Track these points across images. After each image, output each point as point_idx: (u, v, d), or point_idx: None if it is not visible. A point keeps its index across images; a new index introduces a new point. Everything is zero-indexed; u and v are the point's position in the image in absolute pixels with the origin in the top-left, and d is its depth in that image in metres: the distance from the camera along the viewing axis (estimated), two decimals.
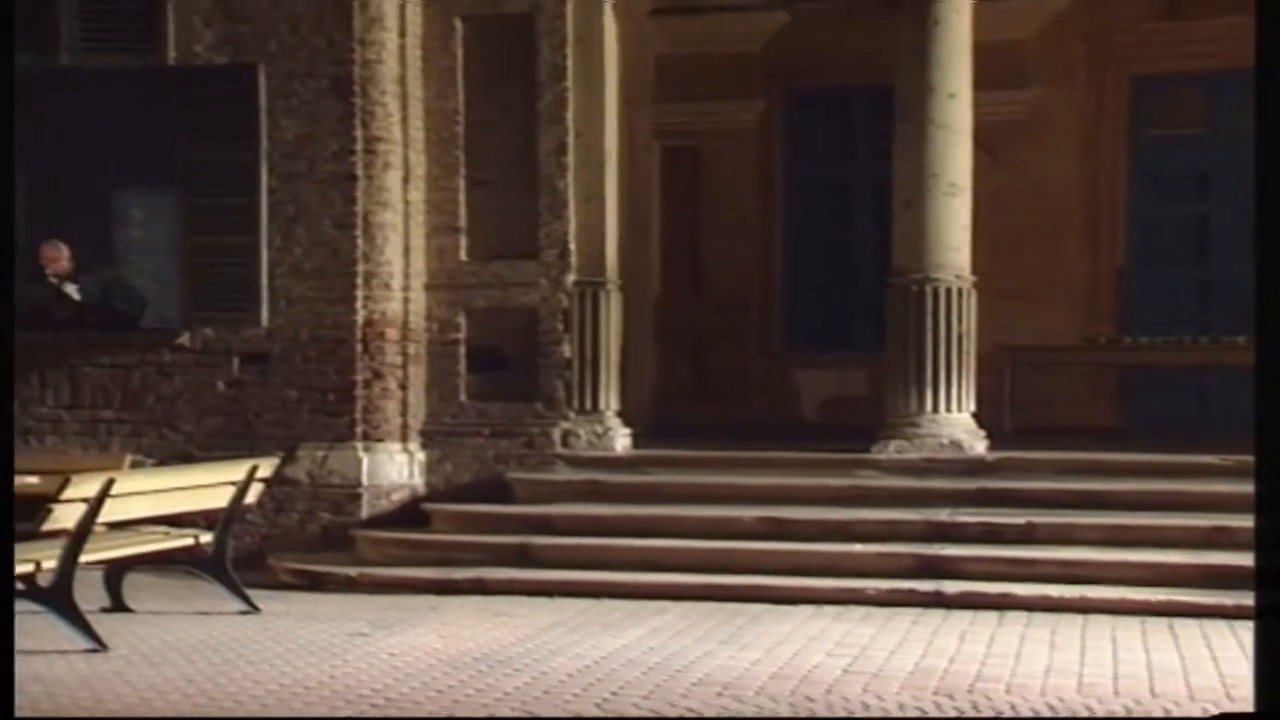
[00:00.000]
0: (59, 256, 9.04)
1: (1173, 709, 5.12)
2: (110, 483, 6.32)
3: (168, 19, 8.72)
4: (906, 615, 6.87)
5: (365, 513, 8.68)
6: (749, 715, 5.06)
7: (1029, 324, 10.66)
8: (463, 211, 8.96)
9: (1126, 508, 7.69)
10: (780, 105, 11.67)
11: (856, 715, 4.97)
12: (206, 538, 7.21)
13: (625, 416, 9.12)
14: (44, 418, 8.94)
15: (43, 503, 6.25)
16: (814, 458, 8.58)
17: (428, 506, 8.61)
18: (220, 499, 7.18)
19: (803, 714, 5.07)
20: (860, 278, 11.53)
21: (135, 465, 8.29)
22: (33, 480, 7.17)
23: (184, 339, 8.87)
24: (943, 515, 7.82)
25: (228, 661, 6.00)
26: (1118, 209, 11.28)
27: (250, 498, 7.36)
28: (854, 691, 5.35)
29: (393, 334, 8.86)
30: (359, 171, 8.71)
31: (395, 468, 8.87)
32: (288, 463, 8.47)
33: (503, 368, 9.00)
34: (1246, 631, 5.70)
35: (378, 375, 8.83)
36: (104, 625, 6.39)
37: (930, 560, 7.39)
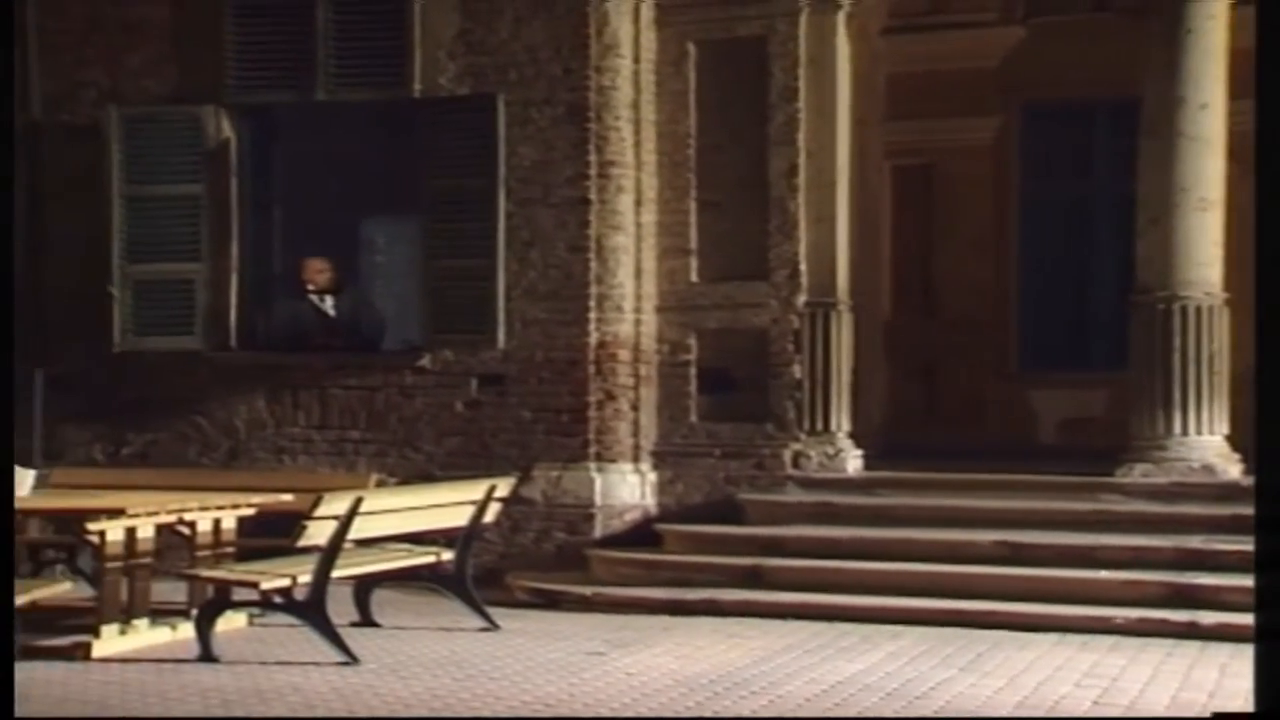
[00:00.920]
0: (324, 269, 9.42)
1: None
2: (359, 501, 6.51)
3: (414, 54, 8.98)
4: (1159, 646, 6.59)
5: (599, 532, 8.74)
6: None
7: None
8: (694, 233, 8.99)
9: None
10: (1016, 121, 11.39)
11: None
12: (447, 555, 7.36)
13: (856, 438, 9.01)
14: (296, 437, 9.27)
15: (297, 519, 6.48)
16: (1053, 480, 8.31)
17: (660, 527, 8.64)
18: (460, 518, 7.32)
19: None
20: (1099, 295, 11.15)
21: (380, 484, 8.53)
22: (287, 497, 7.50)
23: (425, 361, 9.09)
24: (1195, 542, 7.48)
25: (470, 677, 6.12)
26: None
27: (489, 517, 7.49)
28: None
29: (625, 355, 8.93)
30: (592, 195, 8.82)
31: (628, 488, 8.93)
32: (523, 482, 8.59)
33: (733, 389, 8.99)
34: None
35: (610, 396, 8.91)
36: (353, 638, 6.58)
37: (1183, 589, 7.08)
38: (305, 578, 6.47)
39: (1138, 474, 8.13)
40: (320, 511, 6.39)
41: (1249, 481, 8.06)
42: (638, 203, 8.95)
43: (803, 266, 8.86)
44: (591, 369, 8.85)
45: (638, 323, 8.99)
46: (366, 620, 7.33)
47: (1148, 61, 8.21)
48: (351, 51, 9.04)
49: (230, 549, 7.35)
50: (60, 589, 6.47)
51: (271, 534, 7.25)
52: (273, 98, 9.26)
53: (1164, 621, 6.83)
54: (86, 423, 9.42)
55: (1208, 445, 8.17)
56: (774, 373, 8.91)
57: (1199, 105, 8.07)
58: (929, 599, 7.29)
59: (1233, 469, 8.17)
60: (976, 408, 11.36)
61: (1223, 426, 8.23)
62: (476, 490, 7.38)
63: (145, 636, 6.83)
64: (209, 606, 6.66)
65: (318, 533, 6.43)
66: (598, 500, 8.79)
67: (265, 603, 6.73)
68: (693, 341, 9.03)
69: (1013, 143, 11.43)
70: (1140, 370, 8.29)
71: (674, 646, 6.78)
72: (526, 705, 5.58)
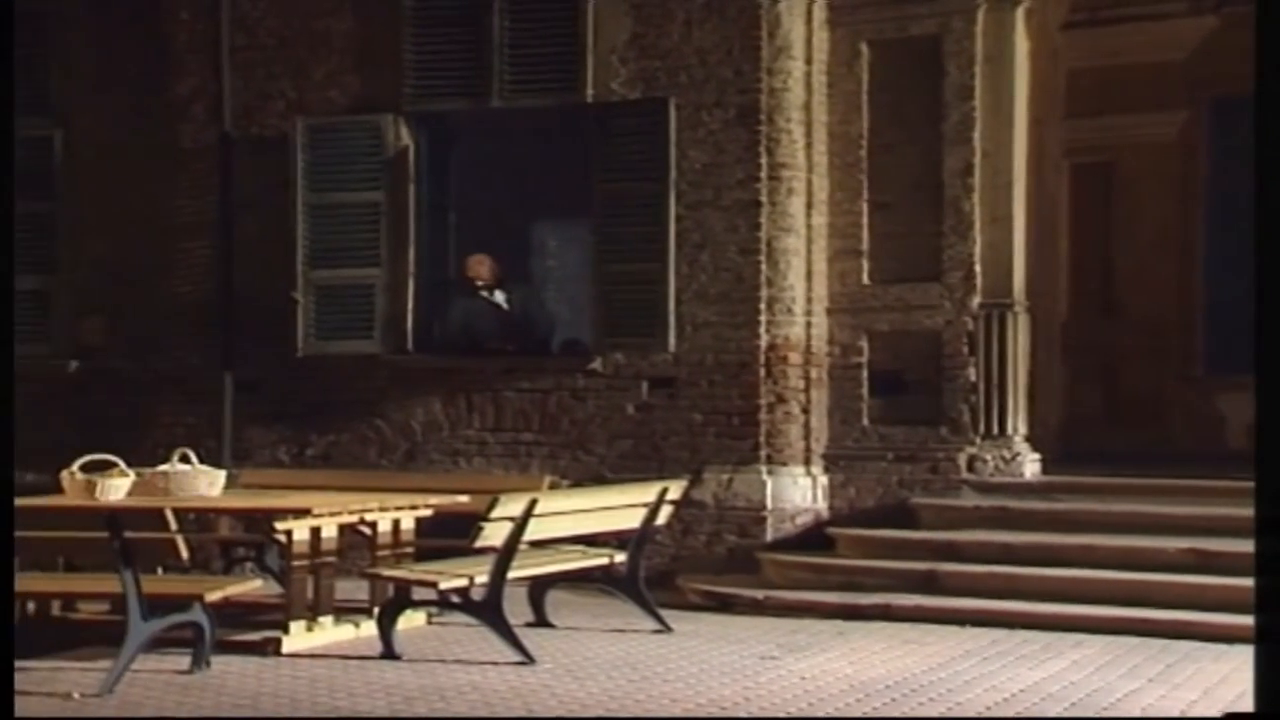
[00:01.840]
0: (484, 261, 9.56)
1: None
2: (534, 503, 6.58)
3: (587, 59, 9.07)
4: None
5: (770, 535, 8.72)
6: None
7: None
8: (865, 235, 8.91)
9: None
10: (1205, 115, 11.01)
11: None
12: (620, 557, 7.39)
13: (1033, 441, 8.82)
14: (471, 440, 9.41)
15: (473, 521, 6.59)
16: (1245, 486, 7.96)
17: (832, 530, 8.59)
18: (632, 520, 7.35)
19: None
20: None
21: (553, 486, 8.58)
22: (463, 499, 7.62)
23: (596, 364, 9.15)
24: None
25: (645, 679, 6.14)
26: None
27: (660, 519, 7.49)
28: None
29: (795, 358, 8.89)
30: (763, 198, 8.79)
31: (799, 491, 8.88)
32: (694, 485, 8.59)
33: (905, 391, 8.88)
34: None
35: (781, 399, 8.87)
36: (529, 639, 6.64)
37: None
38: (482, 578, 6.55)
39: None
40: (496, 513, 6.46)
41: None
42: (809, 205, 8.90)
43: (977, 267, 8.71)
44: (762, 372, 8.82)
45: (808, 325, 8.94)
46: (541, 621, 7.40)
47: None
48: (525, 59, 9.17)
49: (409, 549, 7.47)
50: (251, 586, 6.67)
51: (448, 535, 7.37)
52: (449, 105, 9.43)
53: None
54: (272, 425, 9.72)
55: None
56: (948, 375, 8.77)
57: None
58: (1113, 607, 7.09)
59: None
60: (1158, 411, 11.02)
61: None
62: (648, 493, 7.40)
63: (330, 633, 7.00)
64: (390, 605, 6.79)
65: (494, 534, 6.50)
66: (769, 503, 8.76)
67: (444, 602, 6.85)
68: (864, 344, 8.95)
69: (1201, 138, 11.05)
70: None
71: (848, 651, 6.72)
72: (702, 708, 5.58)
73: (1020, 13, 8.66)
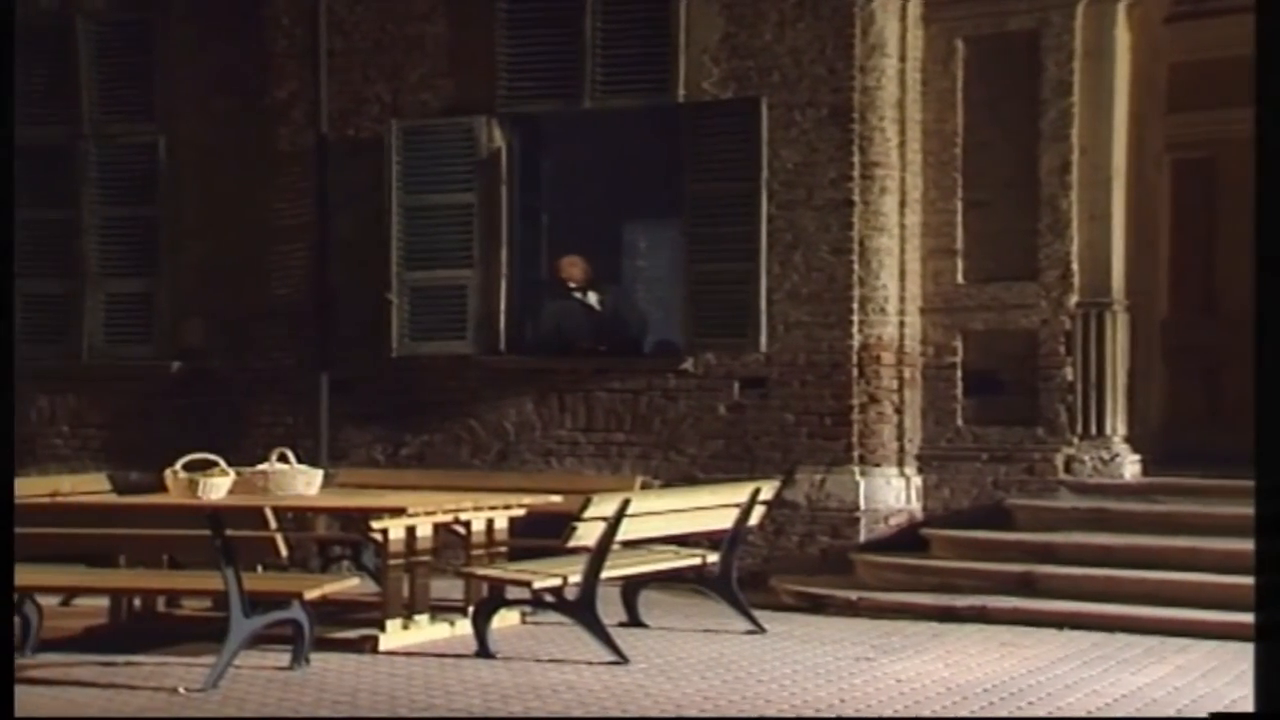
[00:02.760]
0: (576, 262, 9.60)
1: None
2: (626, 503, 6.59)
3: (679, 59, 9.05)
4: None
5: (863, 536, 8.67)
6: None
7: None
8: (959, 234, 8.83)
9: None
10: None
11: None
12: (712, 558, 7.38)
13: (1132, 442, 8.67)
14: (563, 440, 9.44)
15: (565, 520, 6.61)
16: None
17: (926, 532, 8.52)
18: (724, 520, 7.33)
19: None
20: None
21: (645, 487, 8.60)
22: (555, 499, 7.66)
23: (687, 364, 9.14)
24: None
25: (739, 680, 6.12)
26: None
27: (753, 520, 7.47)
28: None
29: (888, 358, 8.83)
30: (856, 197, 8.74)
31: (892, 492, 8.82)
32: (787, 486, 8.57)
33: (1000, 392, 8.78)
34: None
35: (873, 399, 8.82)
36: (622, 638, 6.65)
37: None
38: (575, 578, 6.57)
39: None
40: (589, 513, 6.46)
41: None
42: (902, 204, 8.83)
43: (1075, 266, 8.59)
44: (855, 372, 8.78)
45: (902, 325, 8.88)
46: (634, 621, 7.41)
47: None
48: (617, 59, 9.18)
49: (503, 548, 7.49)
50: (348, 584, 6.75)
51: (541, 534, 7.40)
52: (541, 107, 9.46)
53: None
54: (367, 425, 9.82)
55: None
56: (1044, 375, 8.66)
57: None
58: (1219, 612, 6.94)
59: None
60: None
61: None
62: (741, 493, 7.38)
63: (426, 632, 7.05)
64: (485, 604, 6.83)
65: (587, 534, 6.51)
66: (862, 504, 8.71)
67: (537, 601, 6.88)
68: (958, 344, 8.87)
69: None
70: None
71: (944, 654, 6.66)
72: (796, 709, 5.55)
73: (1122, 6, 8.53)
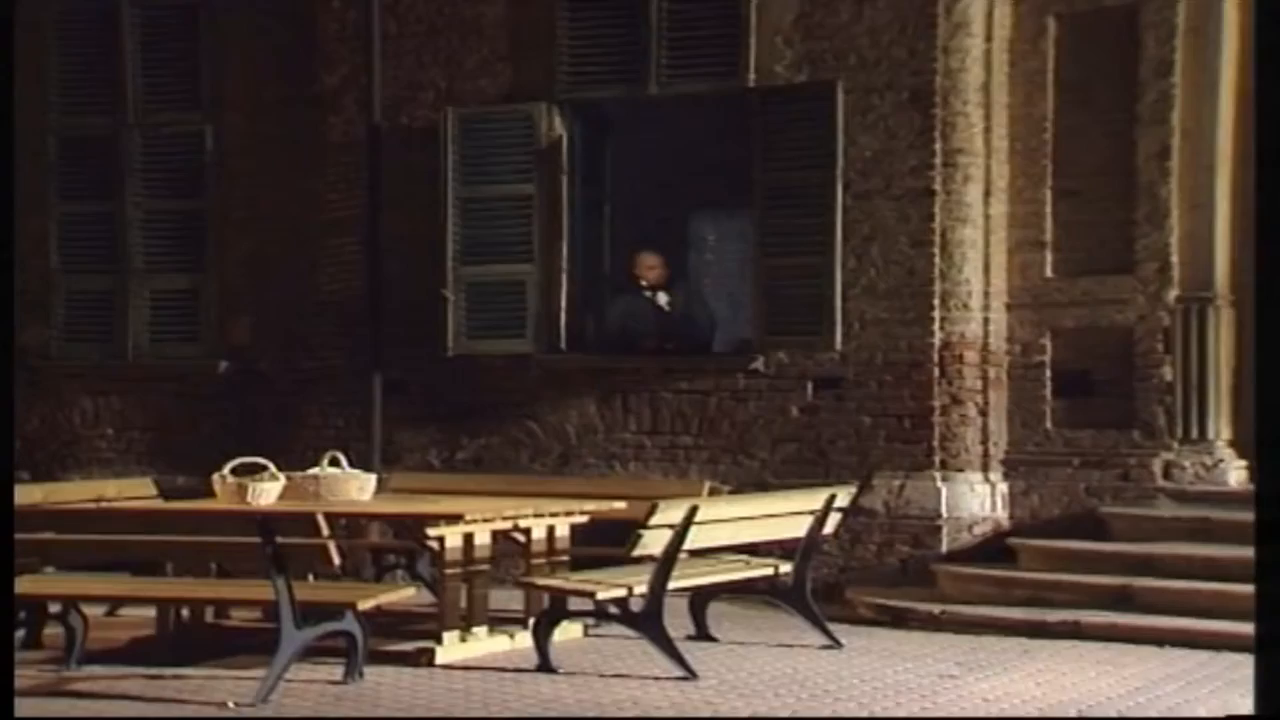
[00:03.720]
0: (655, 265, 9.59)
1: None
2: (694, 510, 6.57)
3: (750, 42, 9.00)
4: None
5: (945, 546, 8.61)
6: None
7: None
8: (1048, 224, 8.74)
9: None
10: None
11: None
12: (785, 568, 7.35)
13: (1238, 447, 8.52)
14: (627, 443, 9.41)
15: (630, 528, 6.59)
16: None
17: (1013, 541, 8.44)
18: (798, 528, 7.30)
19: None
20: None
21: (713, 492, 8.56)
22: (620, 505, 7.64)
23: (758, 363, 9.11)
24: None
25: (815, 697, 6.09)
26: None
27: (828, 528, 7.43)
28: None
29: (971, 356, 8.76)
30: (937, 186, 8.67)
31: (976, 499, 8.75)
32: (864, 492, 8.45)
33: (1093, 392, 8.69)
34: None
35: (956, 400, 8.76)
36: (690, 652, 6.63)
37: None
38: (641, 589, 6.55)
39: None
40: (655, 520, 6.46)
41: None
42: (987, 193, 8.76)
43: (1174, 258, 8.47)
44: (936, 371, 8.73)
45: (986, 321, 8.80)
46: (703, 634, 7.39)
47: None
48: (684, 43, 9.15)
49: (564, 557, 7.50)
50: (403, 594, 6.77)
51: (604, 542, 7.39)
52: (604, 93, 9.45)
53: None
54: (422, 427, 9.85)
55: None
56: (1140, 375, 8.55)
57: None
58: None
59: None
60: None
61: None
62: (815, 500, 7.35)
63: (485, 644, 7.07)
64: (546, 616, 6.84)
65: (653, 542, 6.51)
66: (944, 512, 8.66)
67: (601, 613, 6.85)
68: (1047, 341, 8.77)
69: None
70: None
71: (1034, 671, 6.58)
72: None
73: None
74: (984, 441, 8.79)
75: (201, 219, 10.39)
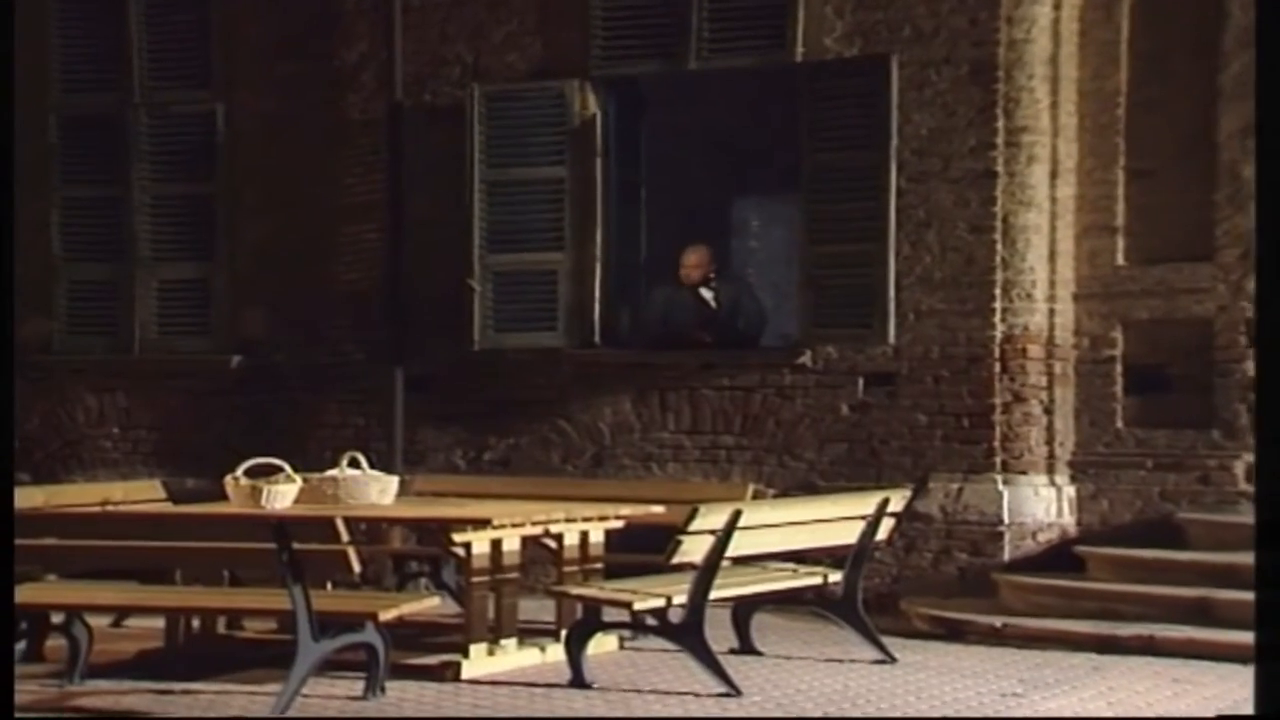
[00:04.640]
0: (699, 263, 9.57)
1: None
2: (738, 514, 6.55)
3: (798, 12, 8.96)
4: None
5: (1007, 554, 8.60)
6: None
7: None
8: (1120, 208, 8.70)
9: None
10: None
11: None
12: (835, 577, 7.34)
13: None
14: (665, 443, 9.42)
15: (668, 533, 6.57)
16: None
17: (1081, 550, 8.41)
18: (848, 535, 7.28)
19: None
20: None
21: (757, 496, 8.56)
22: (657, 509, 7.63)
23: (805, 358, 9.10)
24: None
25: (867, 716, 6.05)
26: None
27: (880, 534, 7.42)
28: None
29: (1035, 351, 8.74)
30: (999, 167, 8.64)
31: (1040, 504, 8.72)
32: (919, 496, 8.50)
33: (1168, 389, 8.66)
34: None
35: (1018, 398, 8.73)
36: (733, 667, 6.62)
37: None
38: (680, 598, 6.54)
39: None
40: (696, 525, 6.45)
41: None
42: (1053, 174, 8.72)
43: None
44: (997, 367, 8.71)
45: (1051, 313, 8.77)
46: (746, 647, 7.39)
47: None
48: (727, 14, 9.11)
49: (598, 565, 7.51)
50: (427, 604, 6.76)
51: (641, 549, 7.38)
52: (641, 68, 9.43)
53: None
54: (446, 426, 9.87)
55: None
56: (1221, 370, 8.49)
57: None
58: None
59: None
60: None
61: None
62: (866, 504, 7.33)
63: (514, 658, 7.07)
64: (579, 627, 6.83)
65: (693, 549, 6.50)
66: (1005, 517, 8.64)
67: (638, 625, 6.84)
68: (1118, 334, 8.74)
69: None
70: None
71: (1106, 690, 6.54)
72: None
73: None
74: (1049, 442, 8.76)
75: (212, 204, 10.42)
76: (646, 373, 9.48)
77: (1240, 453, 8.43)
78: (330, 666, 6.29)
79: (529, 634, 7.28)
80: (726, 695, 6.34)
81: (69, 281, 10.67)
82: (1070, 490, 8.77)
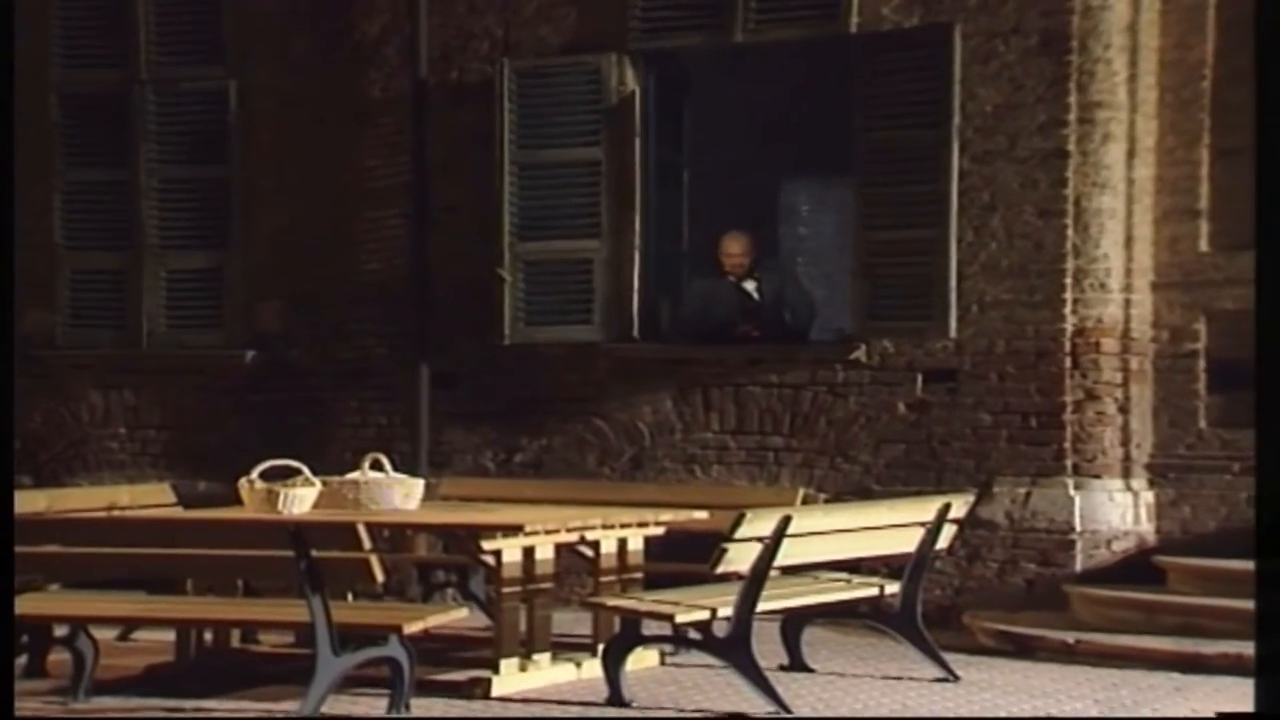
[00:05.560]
0: (737, 253, 9.57)
1: None
2: (787, 521, 6.55)
3: None
4: None
5: (1079, 564, 8.60)
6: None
7: None
8: (1205, 190, 8.67)
9: None
10: None
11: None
12: (892, 588, 7.34)
13: None
14: (709, 444, 9.44)
15: (713, 541, 6.57)
16: None
17: (1161, 560, 8.41)
18: (906, 543, 7.28)
19: None
20: None
21: (808, 501, 8.60)
22: (700, 515, 7.64)
23: (859, 353, 9.11)
24: None
25: None
26: None
27: (941, 542, 7.42)
28: None
29: (1110, 345, 8.73)
30: (1071, 146, 8.62)
31: (1115, 510, 8.70)
32: (982, 501, 8.54)
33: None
34: None
35: (1091, 396, 8.72)
36: (782, 685, 6.61)
37: None
38: (725, 611, 6.54)
39: None
40: (742, 532, 6.45)
41: None
42: (1130, 153, 8.70)
43: None
44: (1068, 362, 8.71)
45: (1127, 304, 8.76)
46: (797, 663, 7.40)
47: None
48: None
49: (637, 575, 7.54)
50: (455, 616, 6.76)
51: (683, 558, 7.43)
52: (683, 41, 9.44)
53: None
54: (474, 426, 9.89)
55: None
56: None
57: None
58: None
59: None
60: None
61: None
62: (926, 510, 7.32)
63: (547, 674, 7.08)
64: (617, 641, 6.82)
65: (739, 558, 6.50)
66: (1077, 524, 8.64)
67: (680, 639, 6.87)
68: (1201, 327, 8.73)
69: None
70: None
71: (1189, 712, 6.51)
72: None
73: None
74: (1125, 443, 8.77)
75: (225, 189, 10.47)
76: (689, 369, 9.49)
77: None
78: (351, 682, 6.30)
79: (563, 648, 7.30)
80: (775, 714, 6.33)
81: (72, 271, 10.73)
82: (1148, 495, 8.76)
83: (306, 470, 7.12)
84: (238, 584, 7.30)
